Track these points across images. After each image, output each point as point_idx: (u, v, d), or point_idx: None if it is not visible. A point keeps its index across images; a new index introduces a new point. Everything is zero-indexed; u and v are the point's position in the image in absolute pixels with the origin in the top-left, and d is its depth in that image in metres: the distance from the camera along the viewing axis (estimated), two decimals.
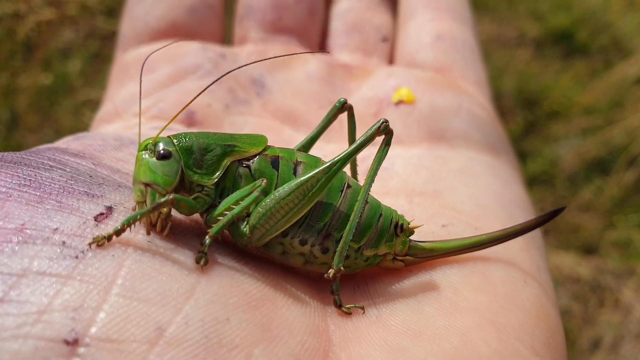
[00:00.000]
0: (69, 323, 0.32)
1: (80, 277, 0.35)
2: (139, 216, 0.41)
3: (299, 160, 0.51)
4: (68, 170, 0.44)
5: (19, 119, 1.89)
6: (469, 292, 0.48)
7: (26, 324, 0.30)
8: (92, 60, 2.14)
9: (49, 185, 0.40)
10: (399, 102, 0.70)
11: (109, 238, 0.38)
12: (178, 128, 0.65)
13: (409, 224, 0.53)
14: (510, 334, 0.45)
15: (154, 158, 0.45)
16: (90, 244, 0.37)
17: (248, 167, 0.49)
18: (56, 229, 0.37)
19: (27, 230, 0.35)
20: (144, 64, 0.52)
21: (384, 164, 0.63)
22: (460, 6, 0.85)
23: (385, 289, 0.49)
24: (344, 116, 0.60)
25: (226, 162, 0.48)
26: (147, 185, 0.44)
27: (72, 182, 0.42)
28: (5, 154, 0.43)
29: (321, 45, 0.86)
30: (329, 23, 0.86)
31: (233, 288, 0.40)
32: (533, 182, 2.36)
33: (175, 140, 0.47)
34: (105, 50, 2.18)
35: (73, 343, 0.31)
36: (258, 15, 0.80)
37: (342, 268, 0.48)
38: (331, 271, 0.48)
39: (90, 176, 0.45)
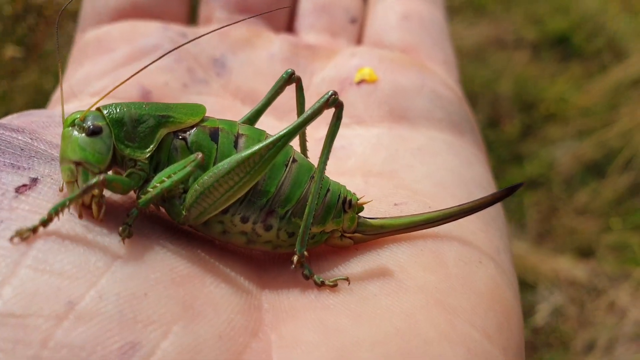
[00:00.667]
0: None
1: None
2: (67, 202, 0.38)
3: (240, 132, 0.47)
4: None
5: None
6: (418, 271, 0.45)
7: None
8: None
9: None
10: (361, 82, 0.69)
11: (34, 230, 0.35)
12: None
13: (358, 199, 0.51)
14: (460, 316, 0.42)
15: (83, 134, 0.42)
16: (12, 238, 0.34)
17: (184, 139, 0.46)
18: None
19: None
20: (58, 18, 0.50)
21: (342, 142, 0.61)
22: None
23: (328, 267, 0.46)
24: (307, 95, 0.57)
25: (160, 133, 0.45)
26: (77, 164, 0.41)
27: None
28: None
29: (289, 26, 0.84)
30: (298, 4, 0.85)
31: (156, 263, 0.39)
32: (530, 185, 2.37)
33: (105, 112, 0.44)
34: None
35: None
36: None
37: (305, 253, 0.46)
38: (295, 258, 0.45)
39: (22, 149, 0.43)
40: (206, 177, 0.44)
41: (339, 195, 0.50)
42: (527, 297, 1.95)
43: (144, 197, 0.43)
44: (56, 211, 0.37)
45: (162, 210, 0.47)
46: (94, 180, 0.39)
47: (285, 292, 0.44)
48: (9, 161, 0.41)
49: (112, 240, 0.39)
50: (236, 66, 0.73)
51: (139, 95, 0.65)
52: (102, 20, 0.75)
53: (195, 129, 0.47)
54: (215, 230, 0.46)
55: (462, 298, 0.44)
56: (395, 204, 0.52)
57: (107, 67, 0.68)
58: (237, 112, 0.64)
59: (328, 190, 0.50)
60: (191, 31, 0.76)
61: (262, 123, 0.55)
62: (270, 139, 0.45)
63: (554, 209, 2.28)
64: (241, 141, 0.47)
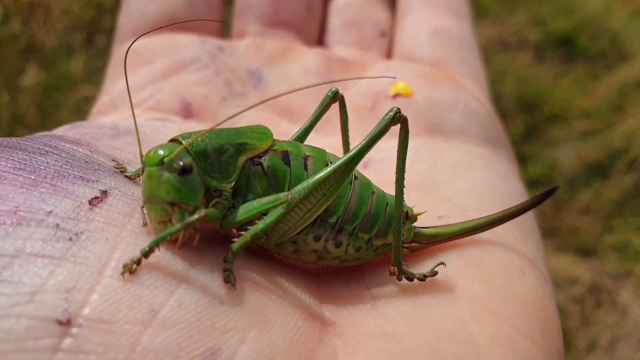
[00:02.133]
0: (62, 304, 0.32)
1: (73, 259, 0.35)
2: (168, 236, 0.39)
3: (306, 154, 0.49)
4: (64, 155, 0.44)
5: (21, 116, 1.92)
6: (466, 281, 0.47)
7: (19, 303, 0.31)
8: (96, 57, 2.17)
9: (44, 169, 0.40)
10: (396, 95, 0.70)
11: (138, 262, 0.37)
12: (175, 120, 0.65)
13: (412, 211, 0.53)
14: (507, 323, 0.45)
15: (175, 173, 0.41)
16: (122, 273, 0.36)
17: (260, 164, 0.47)
18: (50, 212, 0.37)
19: (21, 213, 0.36)
20: (128, 50, 0.52)
21: (381, 155, 0.63)
22: (458, 2, 0.86)
23: (380, 278, 0.49)
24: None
25: (240, 161, 0.45)
26: (172, 204, 0.41)
27: (67, 166, 0.42)
28: (2, 139, 0.44)
29: (319, 40, 0.86)
30: (327, 18, 0.87)
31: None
32: (533, 185, 2.37)
33: (190, 147, 0.43)
34: (109, 47, 2.21)
35: (66, 323, 0.31)
36: (256, 9, 0.81)
37: (402, 262, 0.48)
38: (396, 269, 0.48)
39: (86, 162, 0.45)
40: None
41: None
42: None
43: (238, 242, 0.42)
44: (157, 243, 0.38)
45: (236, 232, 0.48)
46: (195, 217, 0.40)
47: (343, 302, 0.46)
48: (78, 174, 0.42)
49: (185, 251, 0.41)
50: (272, 80, 0.74)
51: (180, 107, 0.66)
52: (139, 33, 0.75)
53: (268, 153, 0.48)
54: (288, 250, 0.48)
55: (508, 306, 0.46)
56: (439, 217, 0.54)
57: (147, 78, 0.70)
58: (275, 125, 0.66)
59: (387, 204, 0.51)
60: (226, 44, 0.77)
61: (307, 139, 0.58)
62: (343, 160, 0.46)
63: (557, 209, 2.28)
64: (309, 163, 0.49)
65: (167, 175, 0.41)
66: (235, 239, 0.43)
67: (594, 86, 2.68)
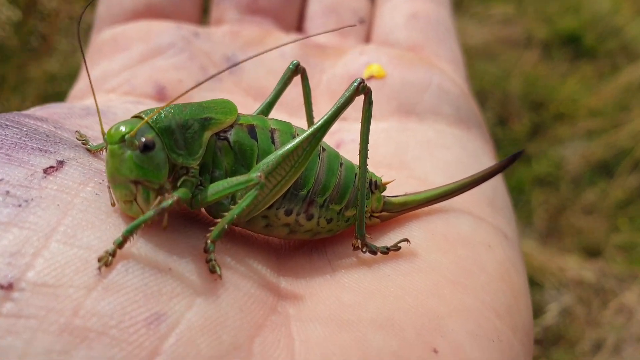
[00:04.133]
0: (4, 268, 0.32)
1: (21, 225, 0.34)
2: (142, 223, 0.38)
3: (273, 127, 0.48)
4: (24, 129, 0.43)
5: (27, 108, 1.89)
6: (429, 253, 0.47)
7: None
8: None
9: (0, 141, 0.40)
10: (370, 77, 0.71)
11: (112, 254, 0.36)
12: (149, 103, 0.65)
13: (381, 180, 0.53)
14: (471, 294, 0.44)
15: (137, 151, 0.40)
16: (98, 267, 0.35)
17: (226, 139, 0.46)
18: (1, 180, 0.37)
19: None
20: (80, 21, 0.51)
21: (353, 136, 0.63)
22: None
23: (343, 251, 0.48)
24: (318, 92, 0.60)
25: (206, 136, 0.44)
26: (136, 182, 0.40)
27: (25, 139, 0.42)
28: None
29: (298, 26, 0.86)
30: (307, 6, 0.87)
31: (179, 240, 0.40)
32: (538, 184, 2.36)
33: (153, 122, 0.42)
34: None
35: (7, 287, 0.31)
36: None
37: (365, 234, 0.48)
38: (359, 242, 0.48)
39: (47, 135, 0.44)
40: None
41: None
42: (535, 297, 1.94)
43: (215, 230, 0.41)
44: (130, 233, 0.37)
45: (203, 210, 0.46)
46: (169, 202, 0.39)
47: (302, 273, 0.45)
48: (36, 145, 0.41)
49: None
50: (248, 65, 0.74)
51: (154, 92, 0.67)
52: (117, 21, 0.76)
53: (234, 127, 0.47)
54: (260, 225, 0.47)
55: (472, 278, 0.45)
56: (407, 193, 0.54)
57: (123, 64, 0.70)
58: (249, 109, 0.66)
59: (355, 174, 0.51)
60: (203, 31, 0.77)
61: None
62: (310, 131, 0.45)
63: (562, 209, 2.28)
64: (276, 136, 0.48)
65: (129, 152, 0.40)
66: (212, 227, 0.41)
67: (600, 85, 2.67)
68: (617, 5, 3.09)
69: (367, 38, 0.85)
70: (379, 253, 0.47)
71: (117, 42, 0.73)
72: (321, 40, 0.80)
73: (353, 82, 0.47)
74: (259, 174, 0.42)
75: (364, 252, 0.47)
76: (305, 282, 0.44)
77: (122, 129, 0.40)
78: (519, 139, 2.48)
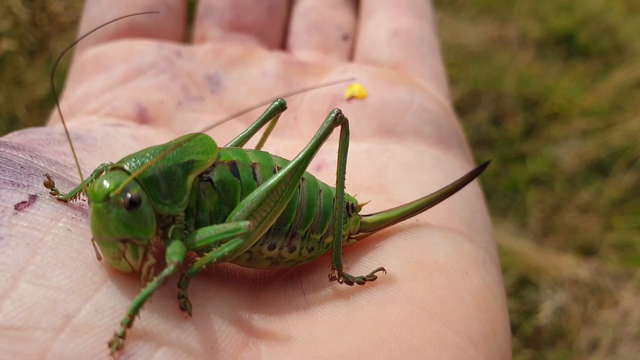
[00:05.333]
0: None
1: None
2: (146, 297, 0.37)
3: (253, 161, 0.48)
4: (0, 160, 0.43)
5: (20, 116, 1.88)
6: (405, 282, 0.47)
7: None
8: None
9: None
10: (351, 98, 0.70)
11: (122, 335, 0.35)
12: (130, 125, 0.65)
13: (357, 202, 0.54)
14: (446, 325, 0.43)
15: (123, 209, 0.39)
16: (111, 353, 0.34)
17: (209, 179, 0.45)
18: None
19: None
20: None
21: (334, 157, 0.62)
22: (420, 3, 0.86)
23: (317, 281, 0.48)
24: (300, 112, 0.61)
25: (189, 181, 0.43)
26: (124, 240, 0.39)
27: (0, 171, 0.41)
28: None
29: (282, 44, 0.86)
30: (290, 22, 0.87)
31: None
32: (533, 183, 2.37)
33: (137, 176, 0.40)
34: None
35: None
36: (217, 14, 0.81)
37: (342, 264, 0.48)
38: (336, 273, 0.47)
39: (22, 167, 0.43)
40: (239, 214, 0.43)
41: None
42: (530, 296, 1.94)
43: (193, 268, 0.41)
44: (136, 310, 0.36)
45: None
46: (171, 268, 0.38)
47: (275, 306, 0.45)
48: (9, 179, 0.41)
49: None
50: (230, 84, 0.74)
51: (135, 113, 0.66)
52: (100, 40, 0.75)
53: (216, 167, 0.45)
54: (242, 259, 0.47)
55: (448, 307, 0.45)
56: (381, 211, 0.54)
57: (105, 85, 0.69)
58: (231, 129, 0.65)
59: (333, 200, 0.51)
60: (185, 49, 0.77)
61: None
62: (292, 165, 0.45)
63: (557, 208, 2.28)
64: (257, 170, 0.47)
65: (114, 211, 0.38)
66: (189, 264, 0.41)
67: (594, 85, 2.68)
68: (609, 4, 3.09)
69: (351, 54, 0.85)
70: (355, 283, 0.46)
71: (99, 62, 0.73)
72: (304, 58, 0.80)
73: (330, 114, 0.48)
74: (248, 223, 0.41)
75: (341, 283, 0.47)
76: (279, 317, 0.44)
77: (106, 185, 0.39)
78: (513, 139, 2.48)
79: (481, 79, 2.66)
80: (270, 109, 0.55)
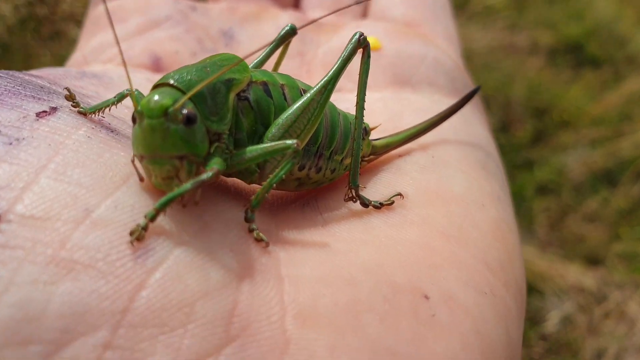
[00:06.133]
0: None
1: (10, 161, 0.35)
2: (177, 196, 0.37)
3: (281, 82, 0.49)
4: (19, 80, 0.43)
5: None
6: (421, 208, 0.47)
7: None
8: None
9: None
10: None
11: (145, 227, 0.35)
12: (144, 72, 0.66)
13: (369, 125, 0.56)
14: (463, 247, 0.44)
15: (181, 124, 0.38)
16: (130, 241, 0.34)
17: (246, 98, 0.45)
18: None
19: None
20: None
21: (348, 105, 0.64)
22: None
23: (334, 203, 0.49)
24: (313, 65, 0.63)
25: (231, 99, 0.43)
26: (181, 157, 0.38)
27: (19, 87, 0.42)
28: None
29: (295, 4, 0.88)
30: None
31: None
32: (540, 191, 2.36)
33: (188, 92, 0.40)
34: None
35: None
36: None
37: (359, 184, 0.49)
38: (353, 192, 0.48)
39: (42, 87, 0.44)
40: (275, 132, 0.44)
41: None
42: (536, 304, 1.94)
43: (255, 200, 0.41)
44: (163, 206, 0.37)
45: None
46: (210, 174, 0.38)
47: (294, 224, 0.45)
48: (30, 93, 0.42)
49: (127, 158, 0.40)
50: (244, 38, 0.76)
51: (150, 62, 0.67)
52: None
53: (250, 86, 0.46)
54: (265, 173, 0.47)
55: (465, 233, 0.45)
56: (400, 156, 0.56)
57: (120, 36, 0.69)
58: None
59: (350, 123, 0.53)
60: (201, 5, 0.79)
61: None
62: (321, 84, 0.46)
63: (564, 216, 2.27)
64: (286, 91, 0.48)
65: (173, 127, 0.38)
66: (252, 197, 0.41)
67: (603, 94, 2.67)
68: (620, 13, 3.09)
69: (364, 15, 0.86)
70: (370, 206, 0.47)
71: (114, 14, 0.73)
72: (317, 16, 0.81)
73: (354, 36, 0.49)
74: (296, 141, 0.42)
75: (355, 202, 0.48)
76: (297, 231, 0.44)
77: (163, 101, 0.38)
78: (521, 145, 2.48)
79: (490, 85, 2.66)
80: (282, 33, 0.56)
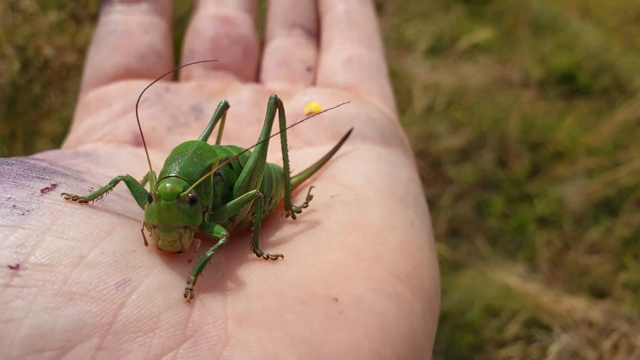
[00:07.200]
0: (13, 255, 0.44)
1: (23, 227, 0.47)
2: (207, 263, 0.50)
3: (235, 154, 0.62)
4: (27, 165, 0.57)
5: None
6: (343, 235, 0.58)
7: None
8: None
9: (8, 172, 0.54)
10: (310, 113, 0.85)
11: (191, 289, 0.47)
12: (127, 147, 0.78)
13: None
14: (374, 263, 0.54)
15: (187, 205, 0.53)
16: (188, 300, 0.46)
17: (219, 174, 0.60)
18: (9, 198, 0.49)
19: None
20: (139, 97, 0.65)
21: (297, 159, 0.78)
22: (371, 35, 1.03)
23: (274, 240, 0.60)
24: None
25: (211, 179, 0.57)
26: (185, 227, 0.52)
27: (28, 171, 0.55)
28: None
29: (255, 78, 1.02)
30: (262, 60, 1.03)
31: (141, 234, 0.52)
32: (541, 224, 2.37)
33: (191, 182, 0.55)
34: None
35: (15, 267, 0.43)
36: (199, 57, 0.97)
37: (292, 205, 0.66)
38: (289, 212, 0.64)
39: (44, 169, 0.57)
40: (239, 192, 0.59)
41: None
42: (543, 338, 1.92)
43: (256, 241, 0.56)
44: (199, 271, 0.49)
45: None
46: (224, 240, 0.52)
47: (240, 254, 0.57)
48: (35, 175, 0.55)
49: (110, 217, 0.53)
50: (211, 111, 0.87)
51: (132, 138, 0.80)
52: (101, 83, 0.90)
53: (221, 164, 0.60)
54: (243, 225, 0.62)
55: (376, 252, 0.57)
56: (331, 196, 0.67)
57: (107, 118, 0.84)
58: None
59: (272, 169, 0.67)
60: (173, 86, 0.92)
61: None
62: (258, 147, 0.61)
63: (566, 248, 2.27)
64: (240, 160, 0.63)
65: (182, 206, 0.52)
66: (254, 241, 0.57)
67: (597, 124, 2.70)
68: (608, 43, 3.15)
69: (314, 83, 1.00)
70: (302, 211, 0.62)
71: (101, 100, 0.87)
72: (274, 87, 0.95)
73: (270, 99, 0.62)
74: (255, 190, 0.57)
75: (294, 218, 0.62)
76: (241, 260, 0.55)
77: (175, 188, 0.52)
78: (519, 180, 2.50)
79: (486, 122, 2.70)
80: (218, 109, 0.71)
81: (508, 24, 3.29)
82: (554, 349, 1.87)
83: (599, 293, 2.08)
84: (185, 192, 0.52)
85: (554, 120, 2.74)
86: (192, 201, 0.53)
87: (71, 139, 0.84)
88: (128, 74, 0.91)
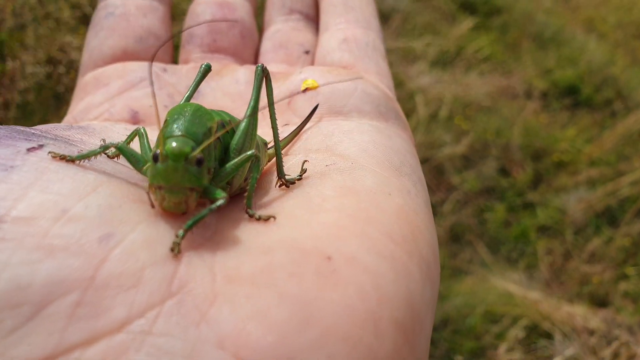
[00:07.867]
0: None
1: (6, 181, 0.46)
2: (203, 218, 0.49)
3: (227, 118, 0.63)
4: (15, 129, 0.56)
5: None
6: (335, 198, 0.57)
7: None
8: None
9: None
10: (306, 89, 0.85)
11: (179, 243, 0.47)
12: (124, 124, 0.78)
13: (267, 140, 0.71)
14: (368, 225, 0.52)
15: (195, 166, 0.52)
16: (174, 255, 0.45)
17: (218, 138, 0.60)
18: None
19: None
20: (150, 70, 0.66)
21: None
22: (367, 16, 1.03)
23: (259, 201, 0.59)
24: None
25: (213, 141, 0.57)
26: (192, 189, 0.52)
27: (14, 133, 0.54)
28: None
29: (254, 61, 1.02)
30: (260, 44, 1.03)
31: (130, 188, 0.52)
32: (542, 232, 2.39)
33: (198, 143, 0.55)
34: None
35: None
36: (197, 40, 0.96)
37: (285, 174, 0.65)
38: (283, 180, 0.62)
39: (33, 133, 0.57)
40: (234, 153, 0.60)
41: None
42: (544, 346, 1.93)
43: (250, 201, 0.55)
44: (190, 227, 0.48)
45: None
46: (222, 201, 0.52)
47: (230, 215, 0.56)
48: (23, 137, 0.55)
49: (95, 175, 0.52)
50: (207, 91, 0.88)
51: (129, 116, 0.79)
52: (98, 65, 0.90)
53: (225, 129, 0.61)
54: (235, 191, 0.63)
55: (370, 214, 0.55)
56: (327, 165, 0.67)
57: (104, 98, 0.84)
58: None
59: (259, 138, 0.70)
60: (170, 67, 0.91)
61: None
62: (249, 111, 0.63)
63: (568, 257, 2.29)
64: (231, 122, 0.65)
65: (189, 167, 0.51)
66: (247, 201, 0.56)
67: (599, 135, 2.73)
68: (612, 57, 3.19)
69: (311, 64, 0.99)
70: (296, 182, 0.60)
71: (98, 81, 0.86)
72: (273, 69, 0.95)
73: (257, 68, 0.64)
74: (252, 151, 0.57)
75: (288, 187, 0.61)
76: (232, 221, 0.54)
77: (184, 149, 0.52)
78: (522, 188, 2.52)
79: (489, 131, 2.73)
80: (200, 72, 0.71)
81: (513, 36, 3.33)
82: (555, 356, 1.88)
83: (599, 302, 2.09)
84: (194, 154, 0.52)
85: (557, 131, 2.77)
86: (199, 162, 0.52)
87: (67, 119, 0.84)
88: (126, 56, 0.91)
